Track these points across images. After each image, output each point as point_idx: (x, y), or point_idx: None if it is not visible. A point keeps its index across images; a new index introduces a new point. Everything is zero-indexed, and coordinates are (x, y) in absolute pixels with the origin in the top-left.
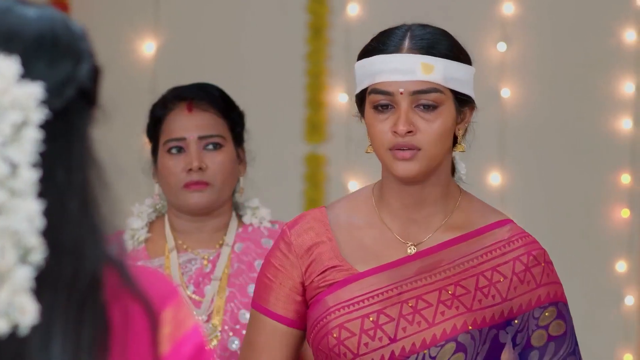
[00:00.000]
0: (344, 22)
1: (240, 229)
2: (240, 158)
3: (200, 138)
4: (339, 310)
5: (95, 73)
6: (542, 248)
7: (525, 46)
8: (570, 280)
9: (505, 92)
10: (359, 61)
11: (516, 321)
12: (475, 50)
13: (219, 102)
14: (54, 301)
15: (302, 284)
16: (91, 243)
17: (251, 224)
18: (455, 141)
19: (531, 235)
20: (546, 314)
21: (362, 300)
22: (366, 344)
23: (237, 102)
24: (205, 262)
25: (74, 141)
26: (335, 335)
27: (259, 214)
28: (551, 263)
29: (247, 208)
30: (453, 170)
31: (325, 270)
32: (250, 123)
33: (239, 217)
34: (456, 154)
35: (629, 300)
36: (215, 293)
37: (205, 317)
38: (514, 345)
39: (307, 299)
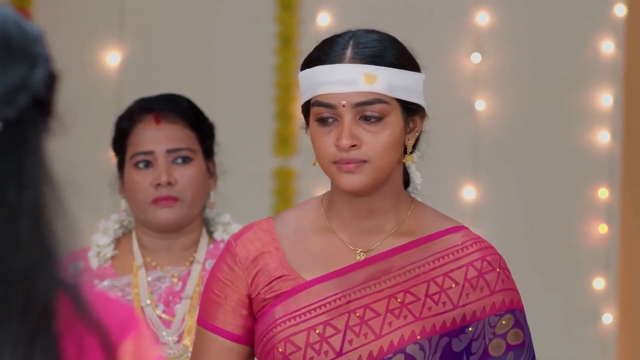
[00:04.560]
0: (314, 33)
1: (211, 246)
2: (210, 172)
3: (169, 151)
4: (285, 322)
5: (51, 79)
6: (497, 253)
7: (500, 57)
8: (547, 297)
9: (480, 105)
10: (302, 71)
11: (470, 329)
12: (449, 62)
13: (188, 114)
14: (3, 333)
15: (249, 296)
16: (44, 269)
17: (222, 240)
18: (409, 151)
19: (486, 241)
20: (503, 322)
21: (309, 311)
22: (311, 359)
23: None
24: (175, 280)
25: (27, 155)
26: (280, 349)
27: (231, 230)
28: (507, 269)
29: (218, 224)
30: (407, 181)
31: (272, 281)
32: (218, 136)
33: (210, 233)
34: (413, 164)
35: (607, 319)
36: (186, 312)
37: (175, 338)
38: (470, 354)
39: (255, 312)
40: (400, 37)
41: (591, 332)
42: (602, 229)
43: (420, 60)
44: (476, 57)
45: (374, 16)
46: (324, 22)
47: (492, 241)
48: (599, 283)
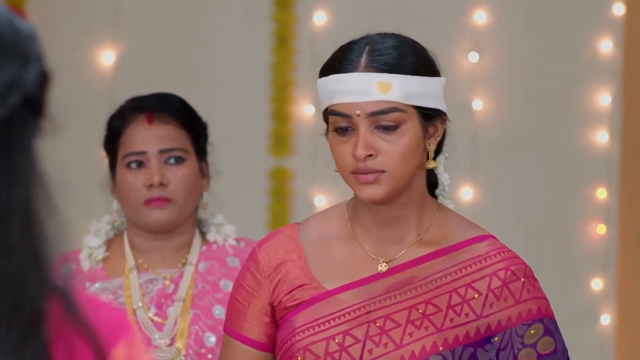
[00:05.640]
0: (311, 31)
1: (204, 247)
2: (203, 172)
3: (161, 152)
4: (304, 331)
5: (43, 79)
6: (522, 263)
7: (498, 56)
8: None
9: (477, 104)
10: (319, 79)
11: (496, 339)
12: (446, 61)
13: (181, 113)
14: None
15: (271, 304)
16: (34, 271)
17: (215, 242)
18: (431, 156)
19: (512, 251)
20: (531, 331)
21: (329, 321)
22: None
23: (199, 114)
24: (167, 282)
25: (18, 155)
26: (299, 358)
27: (224, 231)
28: (533, 278)
29: (211, 225)
30: (436, 184)
31: (293, 290)
32: (213, 136)
33: (203, 234)
34: (441, 166)
35: (605, 320)
36: (178, 315)
37: (168, 341)
38: None
39: (277, 320)
40: None
41: (589, 333)
42: (601, 229)
43: (439, 63)
44: (474, 57)
45: (371, 15)
46: (320, 21)
47: None
48: (597, 284)
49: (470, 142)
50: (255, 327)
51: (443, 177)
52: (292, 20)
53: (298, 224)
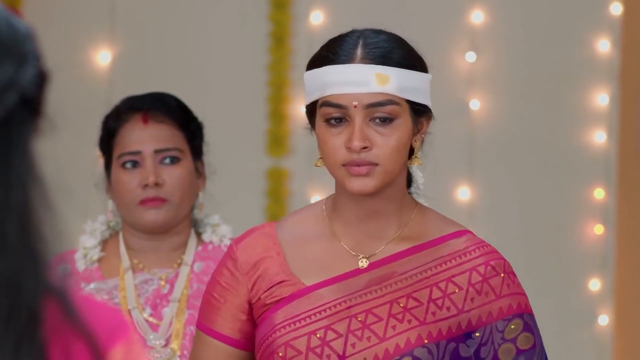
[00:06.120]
0: (307, 31)
1: (199, 247)
2: (199, 172)
3: (157, 151)
4: (284, 327)
5: (41, 78)
6: (502, 258)
7: (495, 56)
8: (542, 299)
9: (475, 104)
10: (309, 71)
11: (477, 334)
12: (443, 60)
13: (176, 113)
14: None
15: (249, 302)
16: (30, 272)
17: (211, 242)
18: (413, 153)
19: (490, 245)
20: (512, 326)
21: (310, 316)
22: None
23: (196, 114)
24: (162, 282)
25: (15, 156)
26: (281, 354)
27: (220, 232)
28: (513, 273)
29: (207, 225)
30: (409, 182)
31: (272, 286)
32: (210, 136)
33: (198, 234)
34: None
35: (603, 320)
36: (173, 315)
37: (163, 342)
38: (479, 359)
39: (255, 318)
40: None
41: (587, 333)
42: (598, 229)
43: (426, 61)
44: (471, 56)
45: (368, 14)
46: (317, 21)
47: (487, 241)
48: (594, 284)
49: (468, 142)
50: (228, 322)
51: (417, 176)
52: (289, 20)
53: (275, 222)
